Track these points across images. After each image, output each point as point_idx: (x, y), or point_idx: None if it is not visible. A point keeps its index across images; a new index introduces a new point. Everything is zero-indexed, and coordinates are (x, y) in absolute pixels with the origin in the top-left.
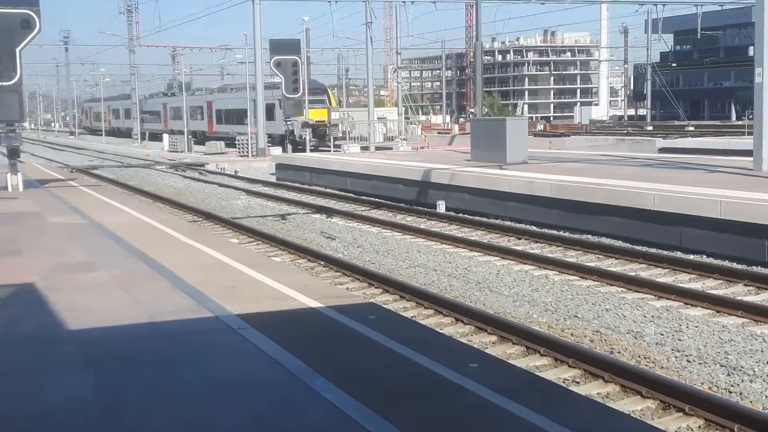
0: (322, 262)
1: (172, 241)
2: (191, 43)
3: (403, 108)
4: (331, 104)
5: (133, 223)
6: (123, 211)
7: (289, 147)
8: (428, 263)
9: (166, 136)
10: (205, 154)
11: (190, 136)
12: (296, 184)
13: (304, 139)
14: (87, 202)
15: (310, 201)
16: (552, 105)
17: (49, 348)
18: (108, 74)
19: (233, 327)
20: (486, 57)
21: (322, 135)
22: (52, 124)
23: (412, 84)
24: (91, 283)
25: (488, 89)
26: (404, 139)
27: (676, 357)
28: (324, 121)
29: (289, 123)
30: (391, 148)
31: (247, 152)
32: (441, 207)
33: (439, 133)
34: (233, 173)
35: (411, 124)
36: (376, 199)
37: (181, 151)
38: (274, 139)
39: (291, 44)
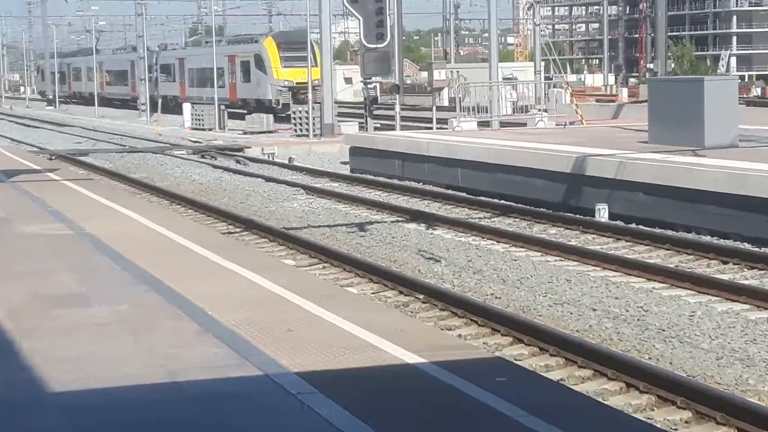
0: (421, 296)
1: (199, 262)
2: None
3: (543, 64)
4: (316, 62)
5: (140, 235)
6: (126, 217)
7: (370, 123)
8: (582, 299)
9: (187, 107)
10: (245, 133)
11: (223, 108)
12: (380, 178)
13: (282, 105)
14: (74, 203)
15: (401, 203)
16: None
17: (24, 419)
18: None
19: (291, 391)
20: None
21: (303, 100)
22: (22, 89)
23: (557, 27)
24: (82, 324)
25: (675, 33)
26: (544, 111)
27: None
28: (305, 84)
29: (369, 87)
30: (524, 124)
31: (308, 130)
32: (602, 213)
33: (597, 100)
34: (287, 161)
35: (555, 87)
36: (502, 201)
37: (210, 129)
38: (250, 107)
39: None
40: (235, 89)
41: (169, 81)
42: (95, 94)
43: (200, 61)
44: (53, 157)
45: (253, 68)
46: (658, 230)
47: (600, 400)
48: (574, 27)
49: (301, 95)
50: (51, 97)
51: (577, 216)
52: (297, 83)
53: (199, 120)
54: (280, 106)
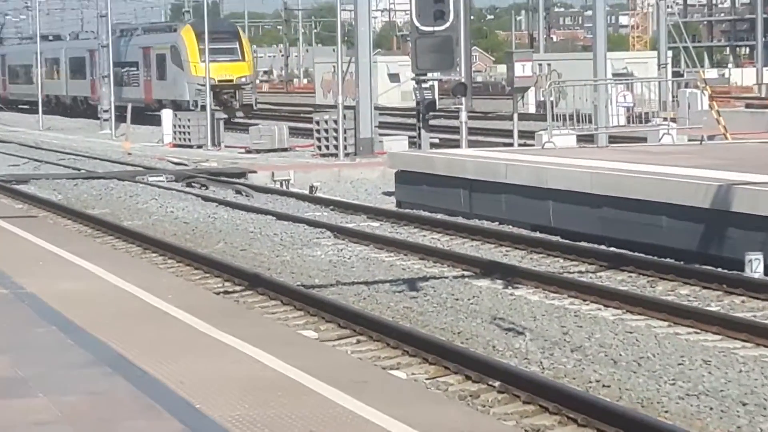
0: (497, 383)
1: (183, 334)
2: None
3: (670, 54)
4: (244, 56)
5: (102, 296)
6: (82, 271)
7: (424, 137)
8: (727, 388)
9: (167, 116)
10: (249, 152)
11: (220, 120)
12: (439, 215)
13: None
14: (9, 250)
15: (468, 251)
16: None
17: None
18: None
19: None
20: None
21: (227, 103)
22: None
23: (690, 2)
24: (15, 423)
25: None
26: (672, 121)
27: None
28: (233, 81)
29: (424, 87)
30: (643, 139)
31: (336, 147)
32: (755, 266)
33: (748, 105)
34: (308, 192)
35: (687, 87)
36: (612, 249)
37: (200, 146)
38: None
39: None
40: (151, 88)
41: (79, 78)
42: (38, 97)
43: (117, 54)
44: None
45: (169, 63)
46: None
47: None
48: (714, 2)
49: (224, 96)
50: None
51: (720, 270)
52: (219, 81)
53: (184, 134)
54: (198, 109)
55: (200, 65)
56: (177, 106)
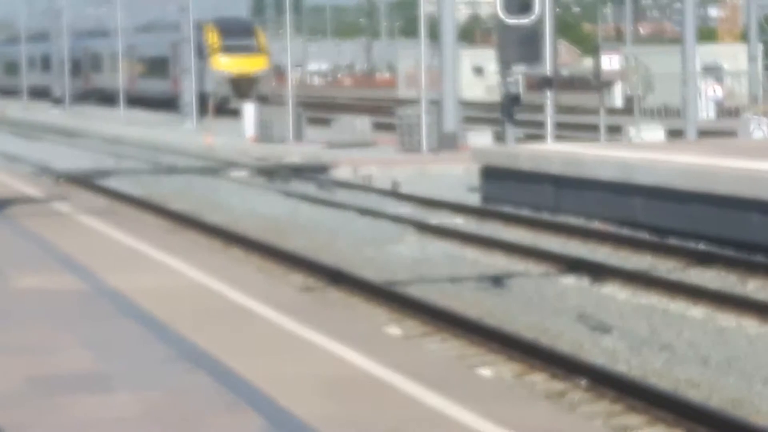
0: (584, 382)
1: (265, 329)
2: None
3: (762, 47)
4: (260, 50)
5: (183, 292)
6: (163, 266)
7: (510, 132)
8: None
9: (249, 111)
10: (330, 147)
11: (301, 112)
12: (524, 211)
13: (221, 99)
14: (90, 245)
15: (554, 248)
16: None
17: None
18: None
19: None
20: None
21: (245, 93)
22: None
23: None
24: (98, 419)
25: None
26: (763, 115)
27: None
28: (250, 75)
29: (509, 80)
30: (734, 134)
31: (419, 143)
32: None
33: None
34: (390, 187)
35: None
36: (701, 246)
37: (281, 142)
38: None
39: None
40: (178, 80)
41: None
42: (120, 90)
43: (146, 49)
44: (60, 180)
45: (171, 61)
46: None
47: None
48: None
49: (242, 87)
50: (59, 95)
51: None
52: (237, 74)
53: (267, 128)
54: (217, 100)
55: (220, 59)
56: (201, 96)
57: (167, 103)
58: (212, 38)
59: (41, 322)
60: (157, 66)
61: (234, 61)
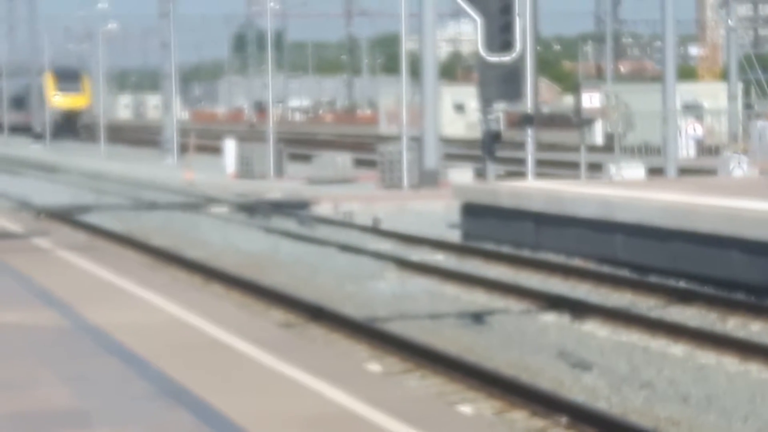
0: (564, 419)
1: (245, 365)
2: None
3: (741, 85)
4: (83, 91)
5: (164, 327)
6: (143, 302)
7: (490, 169)
8: None
9: (230, 146)
10: (310, 183)
11: (282, 148)
12: (505, 248)
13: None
14: (70, 281)
15: (535, 285)
16: None
17: None
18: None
19: None
20: None
21: (71, 124)
22: None
23: (760, 33)
24: None
25: None
26: (743, 153)
27: None
28: (76, 110)
29: (490, 117)
30: (713, 172)
31: (400, 179)
32: None
33: None
34: (371, 223)
35: (758, 118)
36: (681, 283)
37: (262, 178)
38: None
39: None
40: (30, 114)
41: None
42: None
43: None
44: (41, 215)
45: (38, 96)
46: None
47: None
48: None
49: (72, 119)
50: (39, 130)
51: None
52: (65, 109)
53: (247, 164)
54: (54, 128)
55: (54, 98)
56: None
57: (24, 129)
58: (50, 83)
59: (21, 358)
60: (18, 102)
61: (64, 100)
